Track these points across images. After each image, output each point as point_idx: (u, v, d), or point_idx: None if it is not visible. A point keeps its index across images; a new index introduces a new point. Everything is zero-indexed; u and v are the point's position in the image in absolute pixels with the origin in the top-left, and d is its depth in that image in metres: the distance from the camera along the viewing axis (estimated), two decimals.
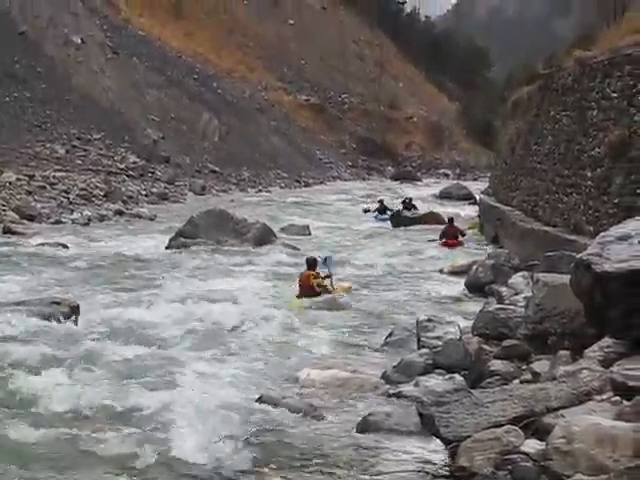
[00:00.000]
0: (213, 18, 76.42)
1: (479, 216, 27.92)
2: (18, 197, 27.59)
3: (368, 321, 12.96)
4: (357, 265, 19.26)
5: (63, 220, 26.45)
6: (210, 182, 44.59)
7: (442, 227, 24.66)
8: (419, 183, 61.96)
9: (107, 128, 42.52)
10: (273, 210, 33.79)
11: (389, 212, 31.48)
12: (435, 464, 6.35)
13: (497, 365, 8.56)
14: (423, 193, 45.55)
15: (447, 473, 6.14)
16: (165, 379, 8.93)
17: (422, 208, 32.51)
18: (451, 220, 24.18)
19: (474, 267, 15.92)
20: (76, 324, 11.61)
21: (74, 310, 11.88)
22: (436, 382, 8.56)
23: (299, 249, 21.22)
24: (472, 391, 7.23)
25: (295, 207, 36.71)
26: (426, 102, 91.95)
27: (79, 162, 37.10)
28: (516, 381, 7.89)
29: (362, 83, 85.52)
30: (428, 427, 6.80)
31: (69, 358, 9.56)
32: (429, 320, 10.74)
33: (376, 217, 31.93)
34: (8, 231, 22.62)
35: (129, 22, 59.31)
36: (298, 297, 14.50)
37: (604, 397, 6.33)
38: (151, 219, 28.87)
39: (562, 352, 7.99)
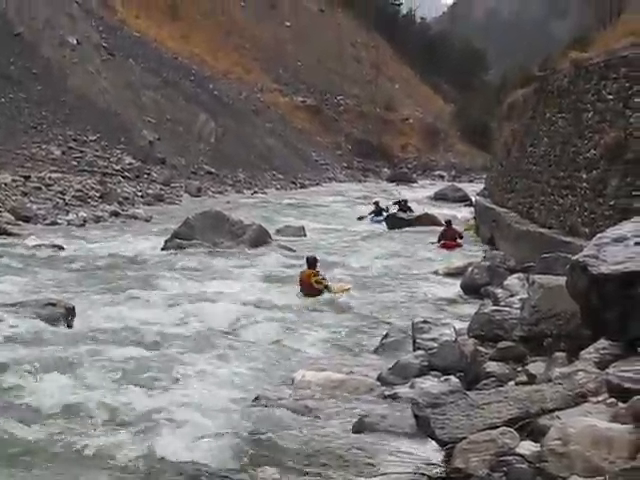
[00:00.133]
0: (210, 20, 76.32)
1: (474, 218, 27.95)
2: (14, 198, 27.54)
3: (364, 322, 12.97)
4: (353, 267, 19.27)
5: (59, 221, 26.41)
6: (206, 183, 44.54)
7: (437, 229, 24.70)
8: (415, 185, 61.94)
9: (103, 129, 42.45)
10: (269, 211, 33.79)
11: (385, 213, 31.52)
12: (430, 466, 6.34)
13: (492, 367, 8.55)
14: (418, 195, 45.53)
15: (442, 475, 6.12)
16: (160, 380, 8.93)
17: (417, 210, 32.57)
18: (449, 222, 24.22)
19: (470, 269, 15.92)
20: (72, 325, 11.62)
21: (70, 311, 11.89)
22: (432, 384, 8.56)
23: (294, 250, 21.25)
24: (467, 393, 7.22)
25: (291, 208, 36.70)
26: (422, 104, 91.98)
27: (75, 163, 37.04)
28: (511, 383, 7.89)
29: (358, 85, 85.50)
30: (423, 429, 6.80)
31: (64, 359, 9.55)
32: (425, 322, 10.75)
33: (371, 219, 31.94)
34: (4, 232, 22.59)
35: (125, 23, 59.19)
36: (300, 296, 14.69)
37: (600, 399, 6.32)
38: (147, 220, 28.85)
39: (558, 354, 7.99)
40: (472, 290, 15.00)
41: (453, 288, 15.80)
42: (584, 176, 15.39)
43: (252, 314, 12.82)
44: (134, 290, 15.05)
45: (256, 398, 8.32)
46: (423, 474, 6.16)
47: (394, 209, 33.02)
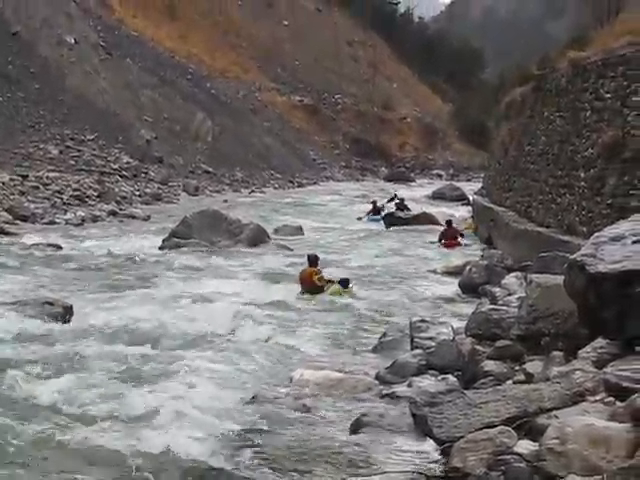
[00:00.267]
0: (207, 19, 76.27)
1: (472, 217, 27.96)
2: (11, 197, 27.51)
3: (362, 321, 12.97)
4: (350, 265, 19.27)
5: (56, 220, 26.38)
6: (203, 182, 44.53)
7: (435, 227, 24.73)
8: (413, 184, 61.95)
9: (100, 128, 42.41)
10: (266, 211, 33.77)
11: (383, 212, 31.53)
12: (428, 465, 6.34)
13: (490, 366, 8.55)
14: (416, 194, 45.51)
15: (440, 473, 6.12)
16: (158, 379, 8.92)
17: (415, 209, 32.57)
18: (449, 222, 24.24)
19: (468, 268, 15.93)
20: (69, 324, 11.60)
21: (67, 310, 11.89)
22: (429, 383, 8.57)
23: (292, 249, 21.26)
24: (465, 392, 7.22)
25: (288, 208, 36.69)
26: (420, 103, 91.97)
27: (72, 162, 37.02)
28: (509, 382, 7.88)
29: (356, 84, 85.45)
30: (421, 427, 6.80)
31: (62, 358, 9.55)
32: (422, 321, 10.76)
33: (369, 218, 31.95)
34: (1, 231, 22.55)
35: (123, 23, 59.12)
36: (302, 293, 14.70)
37: (597, 398, 6.32)
38: (144, 219, 28.85)
39: (555, 353, 7.99)
40: (470, 289, 15.01)
41: (451, 287, 15.81)
42: (582, 175, 15.40)
43: (250, 313, 12.81)
44: (132, 289, 15.05)
45: (254, 397, 8.32)
46: (421, 473, 6.16)
47: (389, 206, 33.06)
